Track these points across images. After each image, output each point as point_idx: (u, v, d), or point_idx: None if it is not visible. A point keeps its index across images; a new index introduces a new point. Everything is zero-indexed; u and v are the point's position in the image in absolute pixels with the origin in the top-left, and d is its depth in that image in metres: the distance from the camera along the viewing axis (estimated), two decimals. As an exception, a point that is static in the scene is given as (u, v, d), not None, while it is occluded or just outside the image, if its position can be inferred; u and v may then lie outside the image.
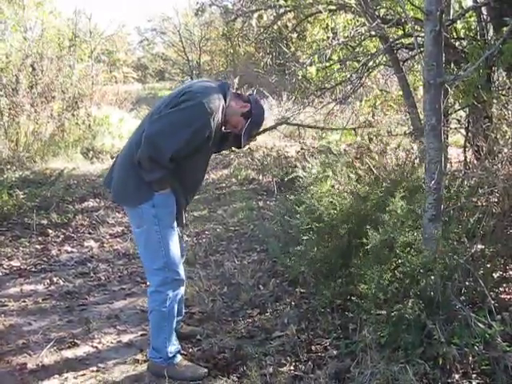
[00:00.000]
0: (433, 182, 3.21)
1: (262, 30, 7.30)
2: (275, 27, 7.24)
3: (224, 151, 4.00)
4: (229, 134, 3.39)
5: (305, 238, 4.05)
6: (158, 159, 2.93)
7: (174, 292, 3.19)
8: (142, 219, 3.10)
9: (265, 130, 3.88)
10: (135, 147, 3.03)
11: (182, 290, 3.32)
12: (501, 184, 3.51)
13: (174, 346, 3.26)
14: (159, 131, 2.95)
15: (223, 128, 3.29)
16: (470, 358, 2.87)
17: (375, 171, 4.26)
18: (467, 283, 3.25)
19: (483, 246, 3.40)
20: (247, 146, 3.65)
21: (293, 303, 4.04)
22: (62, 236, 6.09)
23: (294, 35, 8.32)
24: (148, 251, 3.17)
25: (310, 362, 3.20)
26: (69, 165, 9.23)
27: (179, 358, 3.28)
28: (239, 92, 3.42)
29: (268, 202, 7.22)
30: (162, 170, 2.96)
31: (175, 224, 3.20)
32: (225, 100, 3.14)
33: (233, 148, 3.59)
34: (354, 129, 4.39)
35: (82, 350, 3.60)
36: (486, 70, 4.76)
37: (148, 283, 3.49)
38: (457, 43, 5.59)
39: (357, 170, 4.55)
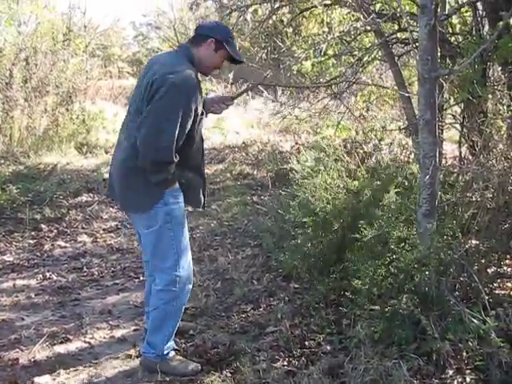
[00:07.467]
0: (427, 177, 3.20)
1: (257, 24, 7.25)
2: (270, 22, 7.18)
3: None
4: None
5: (299, 232, 4.03)
6: (162, 158, 2.88)
7: (184, 290, 3.17)
8: (155, 219, 3.03)
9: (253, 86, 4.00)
10: (130, 151, 2.96)
11: (189, 287, 3.26)
12: (495, 179, 3.50)
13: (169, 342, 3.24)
14: (150, 132, 2.87)
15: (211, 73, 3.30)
16: (464, 354, 2.86)
17: (364, 166, 4.24)
18: (462, 279, 3.24)
19: (478, 242, 3.40)
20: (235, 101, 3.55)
21: (286, 298, 4.02)
22: (55, 231, 6.06)
23: (290, 30, 8.28)
24: (159, 250, 3.11)
25: (303, 358, 3.19)
26: (62, 159, 9.17)
27: (172, 353, 3.26)
28: (192, 38, 3.25)
29: (262, 197, 7.20)
30: (169, 168, 2.91)
31: (185, 221, 3.17)
32: (192, 63, 3.07)
33: (228, 106, 3.48)
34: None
35: (74, 346, 3.58)
36: (481, 65, 4.75)
37: (143, 278, 3.46)
38: (452, 38, 5.58)
39: (348, 164, 4.53)
